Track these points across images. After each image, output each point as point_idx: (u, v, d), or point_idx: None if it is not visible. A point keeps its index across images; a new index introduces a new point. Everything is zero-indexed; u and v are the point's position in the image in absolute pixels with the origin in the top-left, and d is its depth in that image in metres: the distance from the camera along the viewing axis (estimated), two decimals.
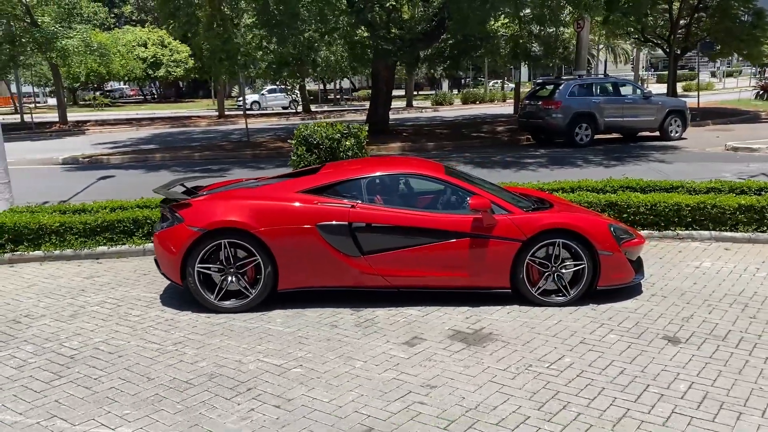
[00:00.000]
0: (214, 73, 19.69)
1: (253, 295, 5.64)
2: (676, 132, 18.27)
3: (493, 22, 21.63)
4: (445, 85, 60.10)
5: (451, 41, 20.00)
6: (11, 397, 4.11)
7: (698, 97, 24.64)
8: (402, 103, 38.94)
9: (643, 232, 8.03)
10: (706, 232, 7.99)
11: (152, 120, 32.09)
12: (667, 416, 3.80)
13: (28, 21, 26.62)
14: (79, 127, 28.29)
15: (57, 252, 7.77)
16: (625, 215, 8.13)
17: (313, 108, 38.16)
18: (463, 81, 62.19)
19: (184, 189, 6.59)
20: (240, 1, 15.86)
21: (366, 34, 17.67)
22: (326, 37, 16.86)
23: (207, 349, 4.85)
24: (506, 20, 20.66)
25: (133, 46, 47.08)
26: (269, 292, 5.69)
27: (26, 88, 52.97)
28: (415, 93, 54.55)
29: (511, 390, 4.15)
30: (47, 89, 54.61)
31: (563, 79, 18.85)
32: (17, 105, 42.31)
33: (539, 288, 5.72)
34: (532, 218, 5.70)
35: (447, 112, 34.29)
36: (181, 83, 61.49)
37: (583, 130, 17.36)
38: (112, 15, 48.89)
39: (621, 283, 5.86)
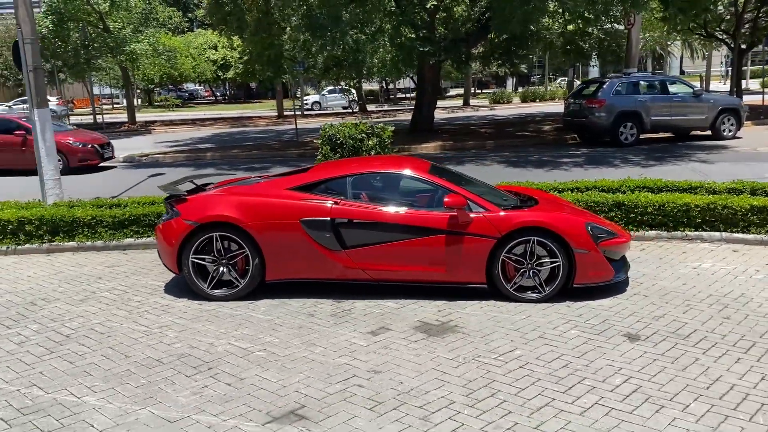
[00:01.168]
0: (259, 76, 20.39)
1: (242, 285, 6.05)
2: (729, 131, 17.66)
3: (547, 19, 21.43)
4: (510, 82, 59.46)
5: (496, 40, 19.99)
6: (3, 368, 4.65)
7: (763, 94, 23.61)
8: (459, 102, 38.94)
9: (651, 233, 8.01)
10: (717, 234, 7.87)
11: (215, 120, 33.38)
12: (588, 407, 3.94)
13: (101, 27, 28.25)
14: (146, 127, 29.78)
15: (89, 243, 8.44)
16: (632, 215, 8.12)
17: (372, 108, 38.73)
18: (531, 78, 61.41)
19: (193, 186, 7.07)
20: (287, 6, 16.41)
21: (411, 36, 17.89)
22: (372, 39, 17.17)
23: (187, 333, 5.29)
24: (556, 18, 20.40)
25: (204, 48, 48.96)
26: (258, 283, 6.08)
27: (105, 90, 55.96)
28: (478, 91, 54.37)
29: (449, 377, 4.37)
30: (124, 91, 57.43)
31: (608, 77, 18.54)
32: (93, 106, 44.76)
33: (515, 284, 5.87)
34: (508, 216, 5.86)
35: (502, 111, 34.09)
36: (251, 84, 63.41)
37: (628, 129, 17.04)
38: (186, 19, 51.11)
39: (599, 282, 5.94)
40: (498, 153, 17.13)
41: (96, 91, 59.05)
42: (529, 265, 5.86)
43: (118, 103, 54.65)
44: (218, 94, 65.06)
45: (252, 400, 4.08)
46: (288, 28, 17.15)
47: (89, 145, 16.53)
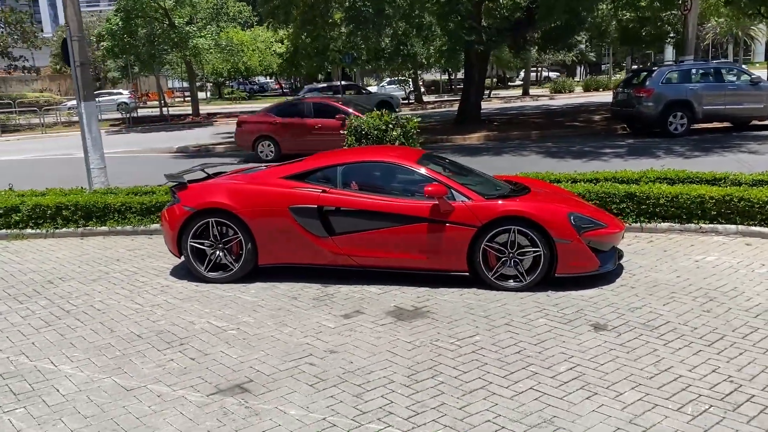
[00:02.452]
0: (305, 69, 20.80)
1: (235, 268, 6.38)
2: None
3: (601, 6, 20.89)
4: (579, 71, 58.04)
5: (543, 28, 19.65)
6: (3, 338, 5.13)
7: None
8: (519, 92, 38.38)
9: (663, 225, 7.85)
10: (733, 227, 7.65)
11: None
12: (522, 391, 4.02)
13: (167, 23, 29.45)
14: (208, 120, 30.90)
15: (119, 228, 9.00)
16: (643, 207, 7.98)
17: (431, 98, 38.73)
18: (601, 67, 59.76)
19: (205, 174, 7.45)
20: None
21: (457, 23, 17.85)
22: (418, 30, 17.27)
23: (174, 311, 5.65)
24: (606, 5, 19.85)
25: (271, 42, 50.09)
26: (252, 267, 6.39)
27: (178, 83, 58.18)
28: (545, 79, 53.21)
29: (398, 359, 4.53)
30: (194, 84, 59.46)
31: (657, 66, 17.94)
32: (163, 99, 46.56)
33: (496, 272, 5.94)
34: (489, 205, 5.93)
35: (561, 101, 33.39)
36: (319, 76, 64.28)
37: (678, 119, 16.47)
38: (255, 14, 52.44)
39: (582, 272, 5.94)
40: (541, 143, 16.93)
41: (170, 84, 61.64)
42: (511, 254, 5.91)
43: (189, 97, 56.54)
44: (287, 86, 66.31)
45: (207, 374, 4.37)
46: (334, 20, 17.43)
47: None
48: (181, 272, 6.80)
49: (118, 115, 33.24)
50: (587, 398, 3.90)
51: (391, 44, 16.90)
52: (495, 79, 57.15)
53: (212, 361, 4.57)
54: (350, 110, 15.50)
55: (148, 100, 50.59)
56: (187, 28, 29.08)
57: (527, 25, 19.13)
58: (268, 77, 66.43)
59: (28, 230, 9.14)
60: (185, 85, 59.14)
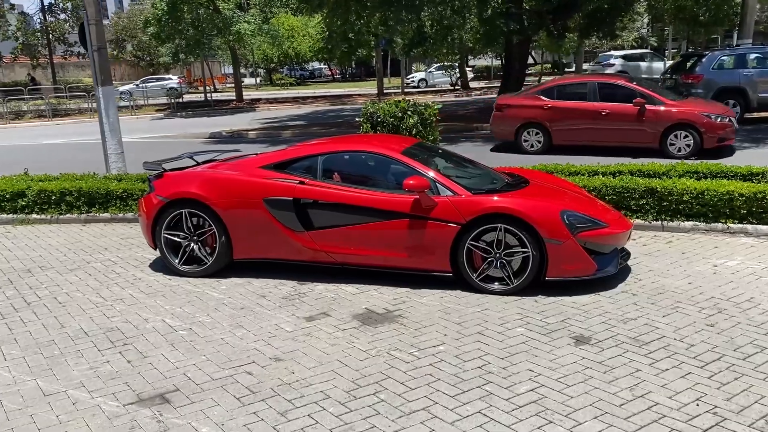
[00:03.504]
0: (335, 54, 20.38)
1: (209, 262, 6.07)
2: None
3: None
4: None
5: (588, 9, 18.60)
6: None
7: None
8: None
9: (687, 224, 7.16)
10: (765, 227, 6.91)
11: (316, 98, 34.02)
12: (467, 415, 3.54)
13: (212, 8, 29.53)
14: (251, 105, 30.92)
15: (120, 215, 8.85)
16: (665, 203, 7.30)
17: (480, 84, 37.82)
18: (664, 52, 57.15)
19: (194, 163, 7.17)
20: None
21: (495, 9, 17.12)
22: (455, 15, 16.62)
23: (134, 307, 5.37)
24: None
25: (322, 28, 49.94)
26: (228, 261, 6.07)
27: (229, 69, 58.73)
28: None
29: (345, 371, 4.11)
30: (247, 70, 60.02)
31: (708, 51, 16.78)
32: (213, 84, 47.05)
33: (481, 274, 5.45)
34: (474, 201, 5.42)
35: None
36: (373, 62, 63.63)
37: (730, 107, 15.34)
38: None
39: (576, 276, 5.38)
40: None
41: (223, 70, 62.34)
42: (497, 255, 5.40)
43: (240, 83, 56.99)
44: (338, 72, 66.09)
45: (136, 380, 4.06)
46: (366, 3, 16.95)
47: None
48: (159, 264, 6.54)
49: (165, 100, 33.62)
50: (538, 428, 3.40)
51: (434, 29, 16.26)
52: (550, 65, 55.47)
53: (148, 365, 4.26)
54: (653, 93, 12.29)
55: (199, 86, 51.21)
56: (231, 13, 29.08)
57: (570, 7, 18.17)
58: (321, 63, 66.28)
59: (34, 215, 9.09)
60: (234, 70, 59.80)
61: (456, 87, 36.53)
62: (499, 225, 5.33)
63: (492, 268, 5.44)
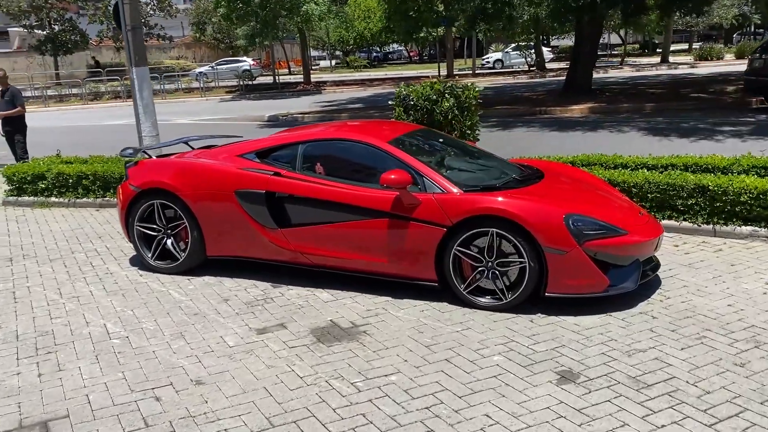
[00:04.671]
0: (398, 33, 19.54)
1: (182, 258, 5.56)
2: None
3: None
4: (736, 36, 51.68)
5: None
6: None
7: None
8: (656, 59, 34.62)
9: (744, 230, 6.07)
10: None
11: (384, 81, 33.30)
12: None
13: None
14: (317, 88, 30.62)
15: None
16: (718, 204, 6.21)
17: (558, 66, 36.01)
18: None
19: (189, 149, 6.70)
20: None
21: None
22: None
23: (86, 307, 4.93)
24: None
25: (384, 6, 49.04)
26: (203, 258, 5.55)
27: (312, 52, 58.88)
28: (698, 45, 47.81)
29: (268, 402, 3.46)
30: (325, 52, 60.03)
31: None
32: (289, 67, 47.22)
33: (470, 285, 4.66)
34: (463, 200, 4.62)
35: (704, 69, 29.60)
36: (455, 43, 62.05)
37: None
38: None
39: (583, 292, 4.50)
40: (650, 118, 14.70)
41: (299, 53, 62.46)
42: (489, 264, 4.60)
43: (316, 65, 57.18)
44: (416, 53, 64.93)
45: (32, 399, 3.57)
46: None
47: None
48: (138, 258, 6.09)
49: (235, 83, 33.81)
50: None
51: (492, 3, 15.22)
52: (637, 45, 52.44)
53: (56, 381, 3.77)
54: None
55: (276, 68, 51.57)
56: None
57: None
58: (400, 44, 65.15)
59: (53, 198, 8.94)
60: (314, 53, 59.94)
61: (531, 68, 34.92)
62: (491, 229, 4.52)
63: (483, 278, 4.65)
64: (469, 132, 9.54)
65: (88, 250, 6.46)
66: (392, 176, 4.67)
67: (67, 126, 20.40)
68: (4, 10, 37.86)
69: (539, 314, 4.53)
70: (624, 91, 19.91)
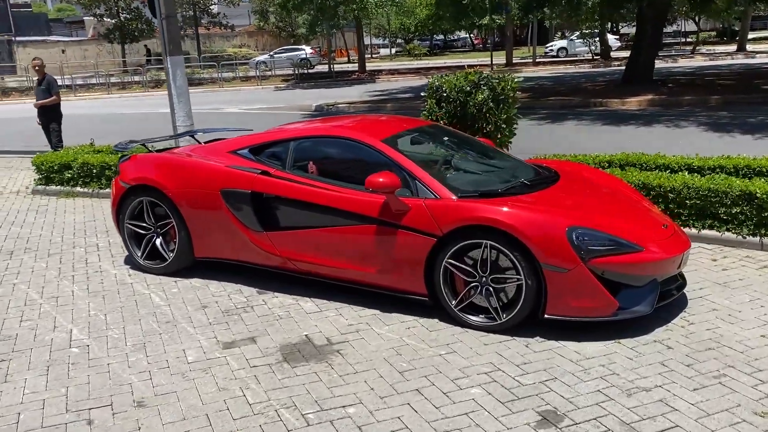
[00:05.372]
0: (447, 21, 18.85)
1: (170, 259, 5.30)
2: None
3: None
4: None
5: None
6: None
7: None
8: (733, 47, 32.55)
9: None
10: None
11: (440, 69, 32.53)
12: None
13: None
14: (372, 77, 30.24)
15: None
16: (766, 214, 5.50)
17: (623, 54, 34.38)
18: None
19: (195, 142, 6.46)
20: None
21: None
22: None
23: (61, 309, 4.73)
24: None
25: None
26: (191, 259, 5.27)
27: (374, 41, 58.66)
28: None
29: (198, 431, 3.13)
30: (386, 41, 59.50)
31: None
32: (348, 56, 47.00)
33: (462, 301, 4.20)
34: (455, 208, 4.15)
35: None
36: (518, 31, 60.40)
37: None
38: None
39: (586, 315, 3.97)
40: (714, 112, 13.66)
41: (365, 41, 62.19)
42: (483, 279, 4.12)
43: (376, 54, 56.72)
44: (480, 41, 63.49)
45: None
46: None
47: None
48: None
49: (290, 71, 33.77)
50: None
51: None
52: (714, 32, 49.70)
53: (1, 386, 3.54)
54: None
55: (336, 57, 51.51)
56: None
57: None
58: (468, 32, 63.50)
59: (78, 188, 8.91)
60: (375, 41, 59.52)
61: (596, 57, 33.48)
62: (485, 241, 4.03)
63: (477, 295, 4.17)
64: (504, 126, 8.92)
65: (90, 245, 6.30)
66: (380, 179, 4.24)
67: (121, 113, 20.75)
68: None
69: (537, 338, 4.03)
70: (690, 81, 18.66)
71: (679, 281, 4.47)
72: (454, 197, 4.26)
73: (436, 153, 5.25)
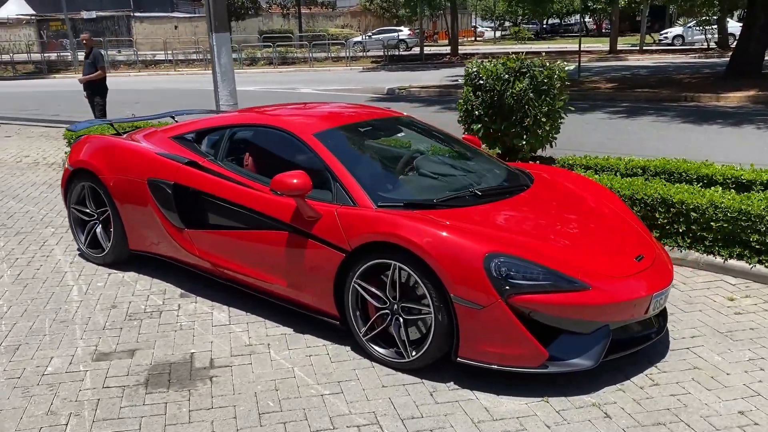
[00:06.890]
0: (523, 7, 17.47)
1: (106, 249, 4.94)
2: None
3: None
4: None
5: None
6: None
7: None
8: None
9: None
10: None
11: (537, 54, 30.90)
12: None
13: None
14: (462, 61, 29.14)
15: None
16: None
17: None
18: None
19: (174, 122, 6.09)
20: None
21: None
22: None
23: None
24: None
25: None
26: (127, 251, 4.88)
27: (474, 22, 57.09)
28: None
29: None
30: (496, 24, 57.69)
31: None
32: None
33: (372, 329, 3.54)
34: (366, 219, 3.47)
35: None
36: (635, 15, 56.70)
37: None
38: None
39: (505, 364, 3.19)
40: None
41: (469, 24, 60.70)
42: (395, 306, 3.43)
43: (480, 36, 54.99)
44: (596, 25, 60.11)
45: None
46: None
47: None
48: None
49: (392, 52, 33.10)
50: None
51: None
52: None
53: None
54: None
55: (439, 39, 50.53)
56: None
57: None
58: (586, 16, 60.06)
59: None
60: (483, 24, 57.86)
61: (710, 46, 30.58)
62: (393, 262, 3.34)
63: (390, 324, 3.48)
64: (544, 120, 7.93)
65: (63, 227, 6.09)
66: (287, 180, 3.62)
67: (201, 89, 21.06)
68: None
69: (451, 383, 3.31)
70: None
71: (657, 325, 3.56)
72: (373, 206, 3.57)
73: (397, 151, 4.55)
